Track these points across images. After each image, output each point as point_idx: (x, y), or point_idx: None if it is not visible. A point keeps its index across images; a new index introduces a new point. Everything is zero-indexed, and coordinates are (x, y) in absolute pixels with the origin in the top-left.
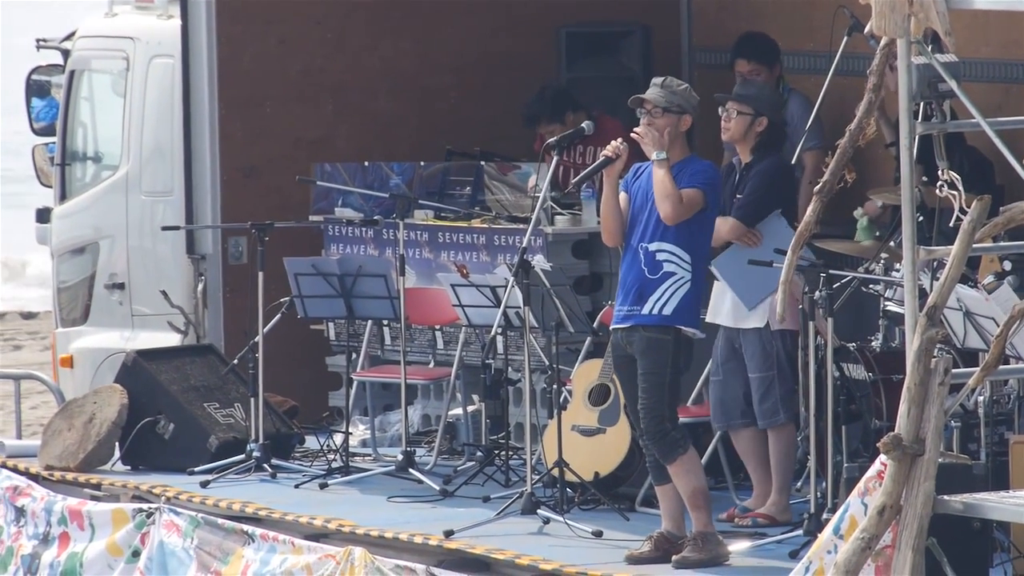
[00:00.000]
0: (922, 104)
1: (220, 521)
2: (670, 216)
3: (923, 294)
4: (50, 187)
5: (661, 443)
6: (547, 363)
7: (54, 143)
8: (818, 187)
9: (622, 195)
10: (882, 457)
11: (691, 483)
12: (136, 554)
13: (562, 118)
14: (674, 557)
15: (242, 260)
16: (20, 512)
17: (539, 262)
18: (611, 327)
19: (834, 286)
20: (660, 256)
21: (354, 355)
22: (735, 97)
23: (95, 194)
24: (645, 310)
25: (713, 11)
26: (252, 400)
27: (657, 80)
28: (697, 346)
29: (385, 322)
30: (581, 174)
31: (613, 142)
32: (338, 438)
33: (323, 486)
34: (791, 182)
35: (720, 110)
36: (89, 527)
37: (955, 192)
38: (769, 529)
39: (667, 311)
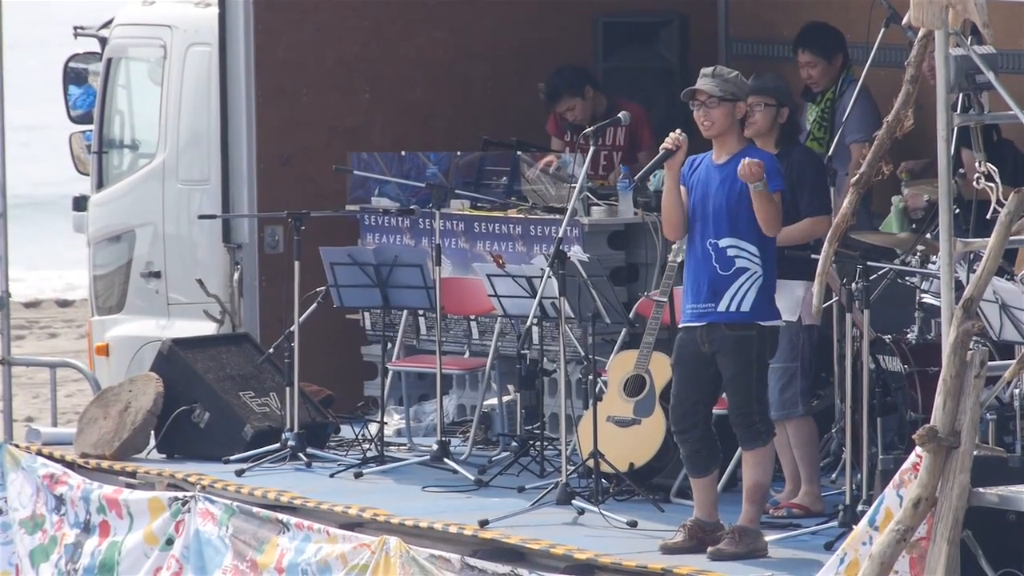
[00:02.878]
0: (960, 95)
1: (255, 510)
2: (775, 234)
3: (959, 286)
4: (87, 175)
5: (746, 432)
6: (582, 354)
7: (91, 131)
8: (855, 179)
9: (680, 188)
10: (917, 449)
11: (757, 476)
12: (170, 542)
13: (582, 92)
14: (710, 549)
15: (278, 249)
16: (60, 501)
17: (575, 252)
18: (681, 324)
19: (870, 278)
20: (731, 252)
21: (389, 345)
22: (757, 90)
23: (132, 182)
24: (722, 307)
25: (750, 1)
26: (287, 389)
27: (707, 70)
28: None
29: (421, 312)
30: (644, 168)
31: (672, 133)
32: (373, 427)
33: (358, 475)
34: (824, 166)
35: None
36: (127, 516)
37: (992, 184)
38: (804, 520)
39: (745, 308)
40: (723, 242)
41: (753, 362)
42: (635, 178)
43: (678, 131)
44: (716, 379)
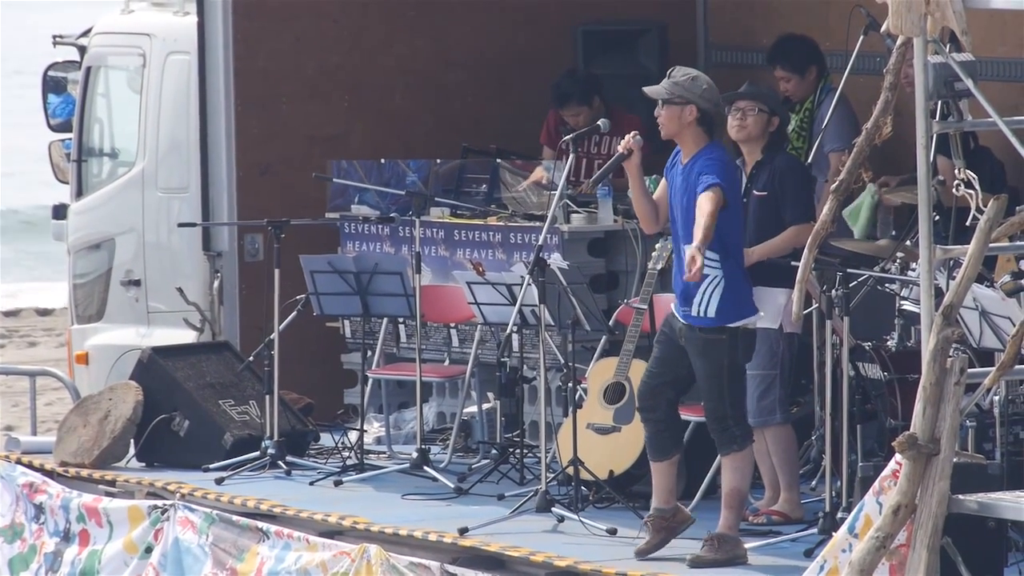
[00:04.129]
0: (939, 103)
1: (235, 518)
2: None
3: (939, 293)
4: (66, 183)
5: (721, 436)
6: (562, 361)
7: (70, 139)
8: (834, 186)
9: (662, 182)
10: (897, 456)
11: (734, 481)
12: (149, 550)
13: (590, 101)
14: (689, 556)
15: (258, 257)
16: (39, 509)
17: (555, 260)
18: (672, 309)
19: (850, 285)
20: None
21: (369, 353)
22: (751, 95)
23: (111, 190)
24: (693, 311)
25: (729, 9)
26: (267, 397)
27: (669, 71)
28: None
29: (401, 320)
30: (597, 173)
31: (628, 136)
32: (353, 435)
33: (338, 483)
34: (809, 173)
35: (727, 109)
36: (107, 524)
37: (972, 191)
38: (784, 527)
39: (711, 313)
40: (687, 248)
41: (725, 366)
42: (589, 182)
43: (633, 133)
44: (690, 369)
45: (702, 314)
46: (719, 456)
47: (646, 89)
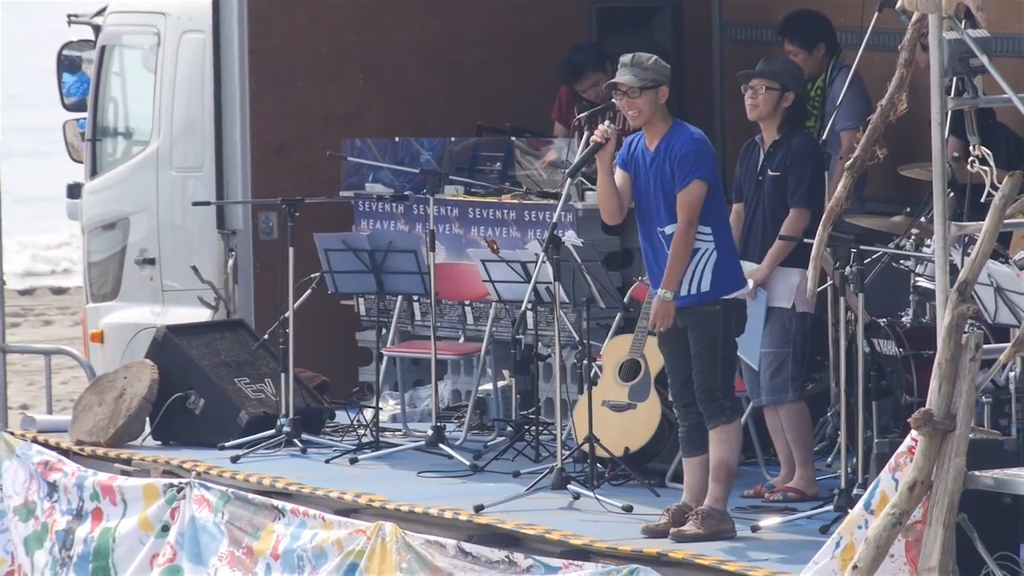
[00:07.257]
0: (954, 79)
1: (251, 496)
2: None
3: (954, 270)
4: (81, 162)
5: (709, 408)
6: (577, 338)
7: (85, 118)
8: (849, 163)
9: (619, 172)
10: (913, 433)
11: (722, 453)
12: (165, 528)
13: (604, 67)
14: (672, 530)
15: (272, 236)
16: (52, 487)
17: (570, 237)
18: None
19: (865, 262)
20: None
21: (384, 330)
22: (761, 73)
23: (126, 169)
24: (683, 292)
25: None
26: (282, 375)
27: (625, 59)
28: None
29: (415, 297)
30: (574, 163)
31: (601, 126)
32: (368, 413)
33: (353, 461)
34: (823, 158)
35: (743, 88)
36: (121, 502)
37: (986, 168)
38: (799, 504)
39: (704, 287)
40: (668, 229)
41: (719, 339)
42: (567, 172)
43: (606, 123)
44: None
45: (695, 291)
46: (709, 429)
47: (619, 79)
